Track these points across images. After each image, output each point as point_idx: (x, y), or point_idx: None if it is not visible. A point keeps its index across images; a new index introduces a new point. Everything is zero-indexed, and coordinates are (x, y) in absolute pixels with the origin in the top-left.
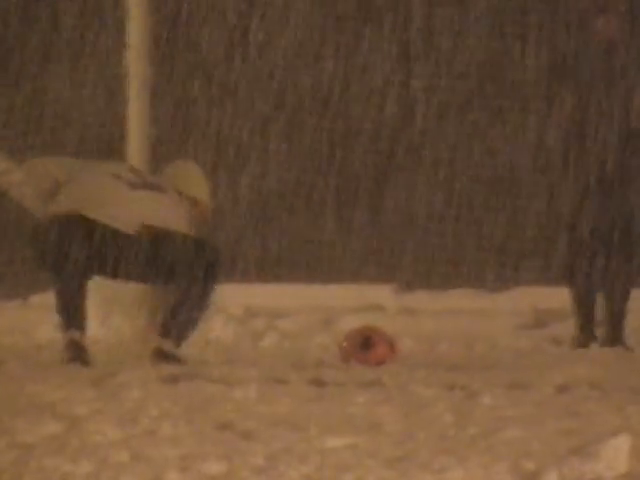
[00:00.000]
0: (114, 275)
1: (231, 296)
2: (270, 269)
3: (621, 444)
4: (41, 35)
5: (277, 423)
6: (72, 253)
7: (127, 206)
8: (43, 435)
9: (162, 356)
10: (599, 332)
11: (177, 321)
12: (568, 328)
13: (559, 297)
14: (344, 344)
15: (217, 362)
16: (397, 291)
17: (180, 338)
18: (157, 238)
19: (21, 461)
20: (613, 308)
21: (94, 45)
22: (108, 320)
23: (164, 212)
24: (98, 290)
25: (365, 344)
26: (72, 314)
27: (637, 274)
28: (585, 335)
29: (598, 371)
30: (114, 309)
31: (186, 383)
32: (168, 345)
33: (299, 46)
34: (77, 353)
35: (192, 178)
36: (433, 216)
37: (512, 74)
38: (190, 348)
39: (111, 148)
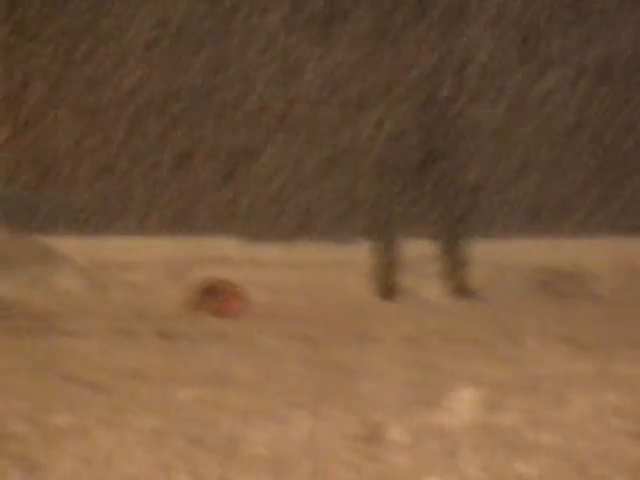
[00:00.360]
0: None
1: (78, 248)
2: (117, 221)
3: (468, 395)
4: None
5: (125, 375)
6: None
7: None
8: None
9: None
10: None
11: None
12: (415, 279)
13: (406, 249)
14: (196, 296)
15: (64, 315)
16: (245, 243)
17: None
18: None
19: None
20: (449, 257)
21: None
22: None
23: None
24: None
25: (217, 296)
26: None
27: (470, 222)
28: (390, 285)
29: (446, 322)
30: None
31: (33, 336)
32: None
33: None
34: None
35: None
36: (281, 166)
37: None
38: (36, 299)
39: None
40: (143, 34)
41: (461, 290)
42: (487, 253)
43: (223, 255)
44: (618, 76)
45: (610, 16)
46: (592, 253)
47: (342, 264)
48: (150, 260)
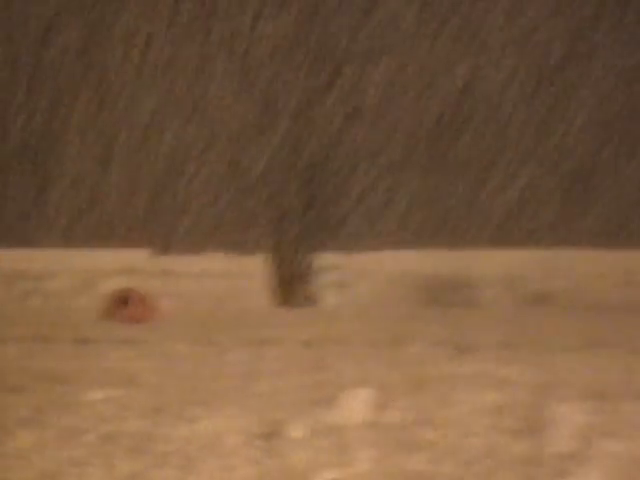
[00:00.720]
0: None
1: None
2: (36, 233)
3: (360, 395)
4: None
5: (43, 378)
6: None
7: None
8: None
9: None
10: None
11: None
12: (313, 288)
13: (306, 260)
14: (109, 305)
15: None
16: (154, 254)
17: None
18: None
19: None
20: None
21: None
22: None
23: None
24: None
25: (128, 305)
26: None
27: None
28: (289, 294)
29: (341, 328)
30: None
31: None
32: None
33: None
34: None
35: None
36: (188, 177)
37: None
38: None
39: None
40: None
41: (295, 299)
42: (377, 263)
43: (135, 266)
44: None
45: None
46: (472, 263)
47: (245, 274)
48: (67, 271)
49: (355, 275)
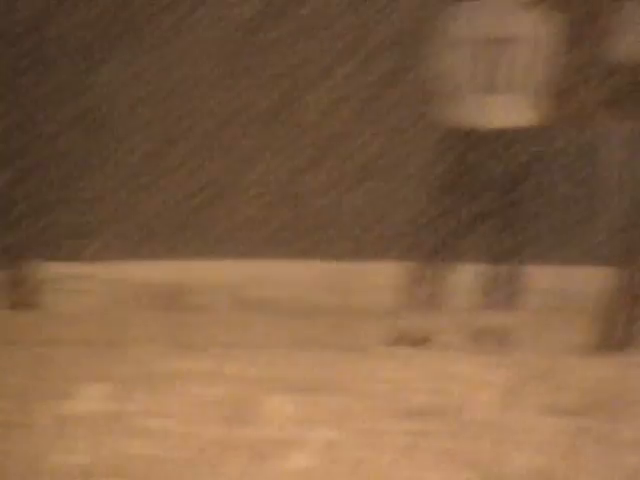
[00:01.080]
0: None
1: None
2: None
3: (97, 389)
4: None
5: None
6: None
7: None
8: None
9: None
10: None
11: None
12: (52, 294)
13: (44, 269)
14: None
15: None
16: None
17: None
18: None
19: None
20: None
21: None
22: None
23: None
24: None
25: None
26: None
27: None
28: (23, 299)
29: (73, 329)
30: None
31: None
32: None
33: None
34: None
35: None
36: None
37: None
38: None
39: None
40: None
41: (21, 303)
42: (108, 273)
43: None
44: None
45: None
46: (197, 272)
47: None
48: None
49: (89, 282)
